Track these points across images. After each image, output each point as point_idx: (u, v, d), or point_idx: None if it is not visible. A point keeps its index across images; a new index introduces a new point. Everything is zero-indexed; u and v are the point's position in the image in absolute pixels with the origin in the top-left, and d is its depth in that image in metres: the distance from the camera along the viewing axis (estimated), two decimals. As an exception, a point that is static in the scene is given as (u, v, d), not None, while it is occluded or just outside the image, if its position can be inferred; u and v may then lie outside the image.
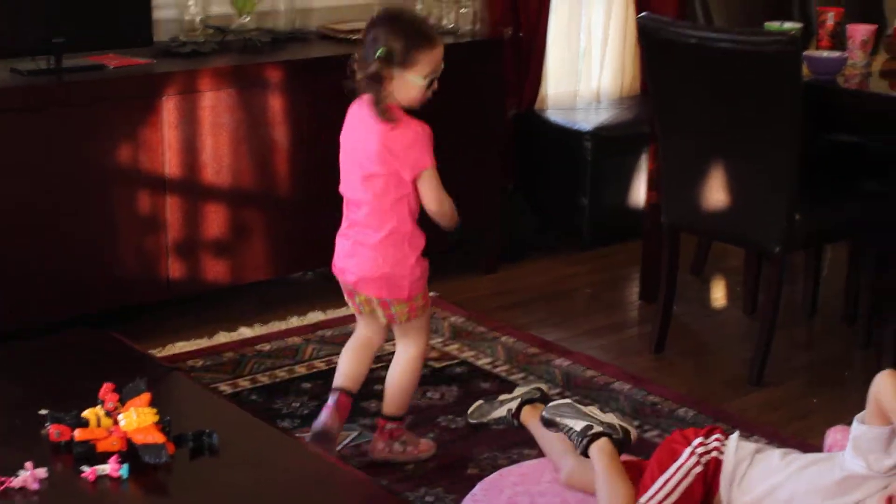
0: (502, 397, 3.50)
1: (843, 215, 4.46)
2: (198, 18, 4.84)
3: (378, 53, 3.39)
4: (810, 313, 5.02)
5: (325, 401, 3.80)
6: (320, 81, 4.70)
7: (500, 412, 3.46)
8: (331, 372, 4.27)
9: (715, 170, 4.31)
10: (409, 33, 3.41)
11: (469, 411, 3.58)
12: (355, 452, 3.78)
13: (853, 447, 2.80)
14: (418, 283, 3.57)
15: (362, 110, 3.48)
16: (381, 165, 3.44)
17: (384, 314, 3.61)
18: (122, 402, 2.73)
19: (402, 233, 3.51)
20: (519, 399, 3.44)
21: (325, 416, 3.64)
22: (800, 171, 4.16)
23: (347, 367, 3.72)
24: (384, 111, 3.41)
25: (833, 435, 3.20)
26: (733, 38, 4.16)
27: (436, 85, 3.48)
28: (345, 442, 3.82)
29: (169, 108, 4.38)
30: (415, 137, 3.43)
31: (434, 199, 3.48)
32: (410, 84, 3.43)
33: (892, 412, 2.74)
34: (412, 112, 3.50)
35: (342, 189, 3.58)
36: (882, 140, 4.45)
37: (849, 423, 3.17)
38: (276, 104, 4.62)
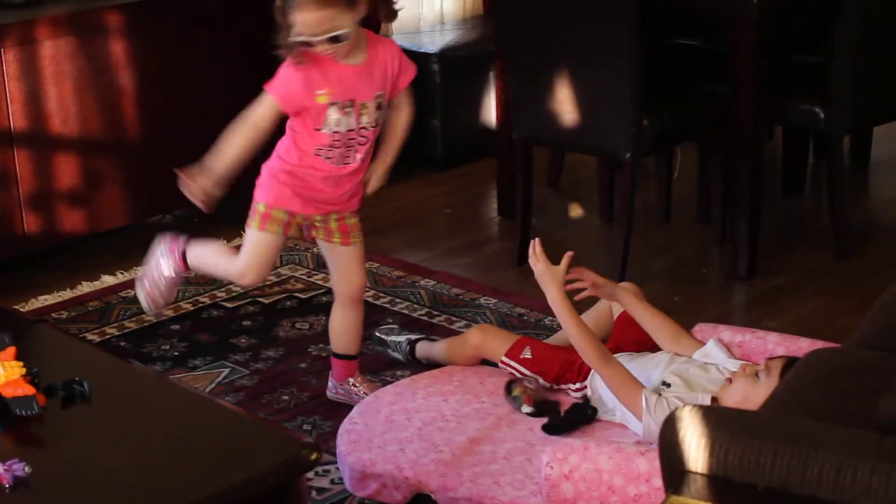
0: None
1: (689, 117, 4.56)
2: (29, -33, 4.75)
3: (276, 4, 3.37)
4: (665, 216, 5.13)
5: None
6: (161, 23, 4.64)
7: (400, 339, 3.82)
8: (198, 312, 4.27)
9: (560, 82, 4.37)
10: None
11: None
12: (229, 389, 3.78)
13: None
14: (261, 187, 3.49)
15: None
16: None
17: None
18: (-13, 357, 2.71)
19: (280, 144, 3.48)
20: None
21: None
22: (643, 77, 4.24)
23: None
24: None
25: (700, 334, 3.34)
26: (569, -50, 4.21)
27: (332, 47, 3.31)
28: (217, 380, 3.83)
29: (8, 61, 4.30)
30: (278, 72, 3.39)
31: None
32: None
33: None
34: None
35: None
36: (721, 41, 4.53)
37: (711, 320, 3.30)
38: (118, 49, 4.56)
